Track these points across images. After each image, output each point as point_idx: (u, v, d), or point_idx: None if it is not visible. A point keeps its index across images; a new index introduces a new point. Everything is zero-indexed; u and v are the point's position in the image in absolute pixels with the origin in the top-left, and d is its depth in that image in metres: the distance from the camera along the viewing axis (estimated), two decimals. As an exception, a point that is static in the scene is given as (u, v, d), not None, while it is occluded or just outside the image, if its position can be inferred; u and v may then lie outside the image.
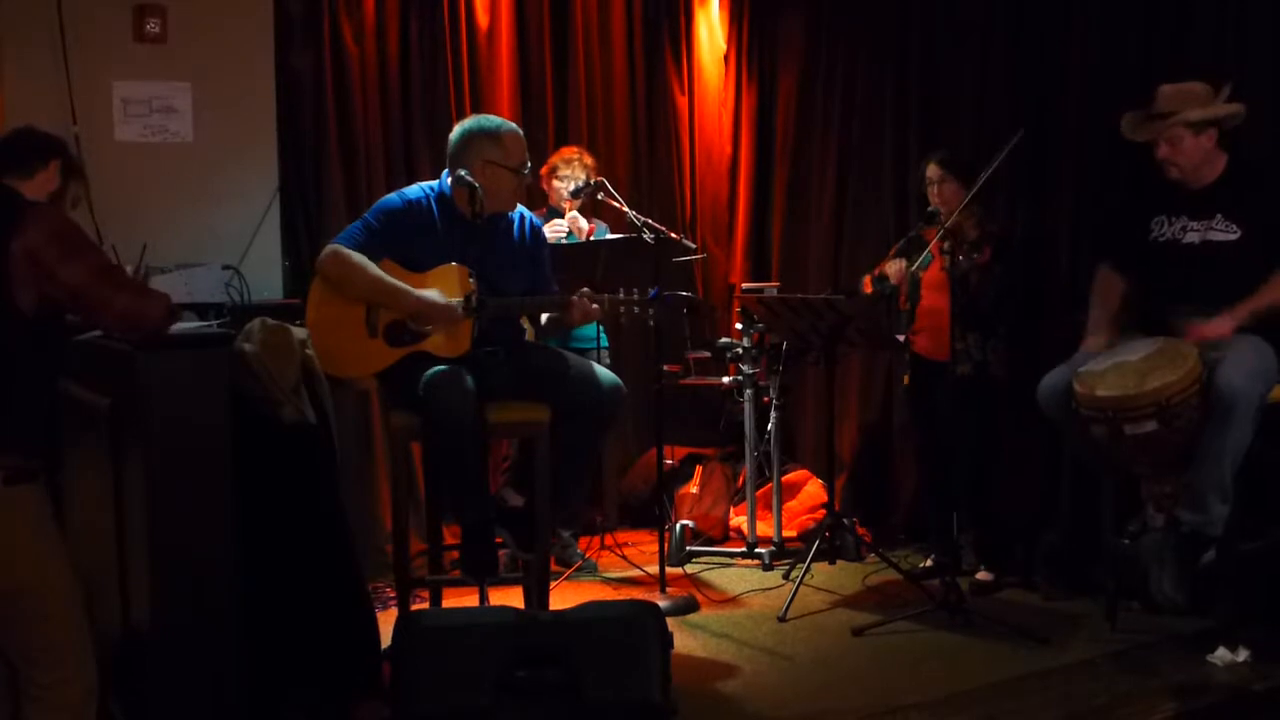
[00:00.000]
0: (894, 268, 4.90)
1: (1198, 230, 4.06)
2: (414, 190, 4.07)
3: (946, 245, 4.45)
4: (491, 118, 4.12)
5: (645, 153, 6.32)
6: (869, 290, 5.02)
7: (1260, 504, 4.08)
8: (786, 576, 5.10)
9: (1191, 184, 4.09)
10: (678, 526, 5.42)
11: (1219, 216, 4.02)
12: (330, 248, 3.92)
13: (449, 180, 3.99)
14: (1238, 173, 4.07)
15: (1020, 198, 5.11)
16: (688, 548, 5.39)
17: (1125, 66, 4.76)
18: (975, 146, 5.23)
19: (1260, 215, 3.97)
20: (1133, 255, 4.23)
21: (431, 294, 3.87)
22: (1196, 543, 3.84)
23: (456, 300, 3.89)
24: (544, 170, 5.37)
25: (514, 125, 4.08)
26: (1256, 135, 4.15)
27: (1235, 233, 4.00)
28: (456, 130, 4.04)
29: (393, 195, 4.09)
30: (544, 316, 4.16)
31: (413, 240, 3.94)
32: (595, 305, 3.99)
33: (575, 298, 3.98)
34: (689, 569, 5.26)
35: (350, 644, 3.58)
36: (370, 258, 3.88)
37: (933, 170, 4.94)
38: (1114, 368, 3.92)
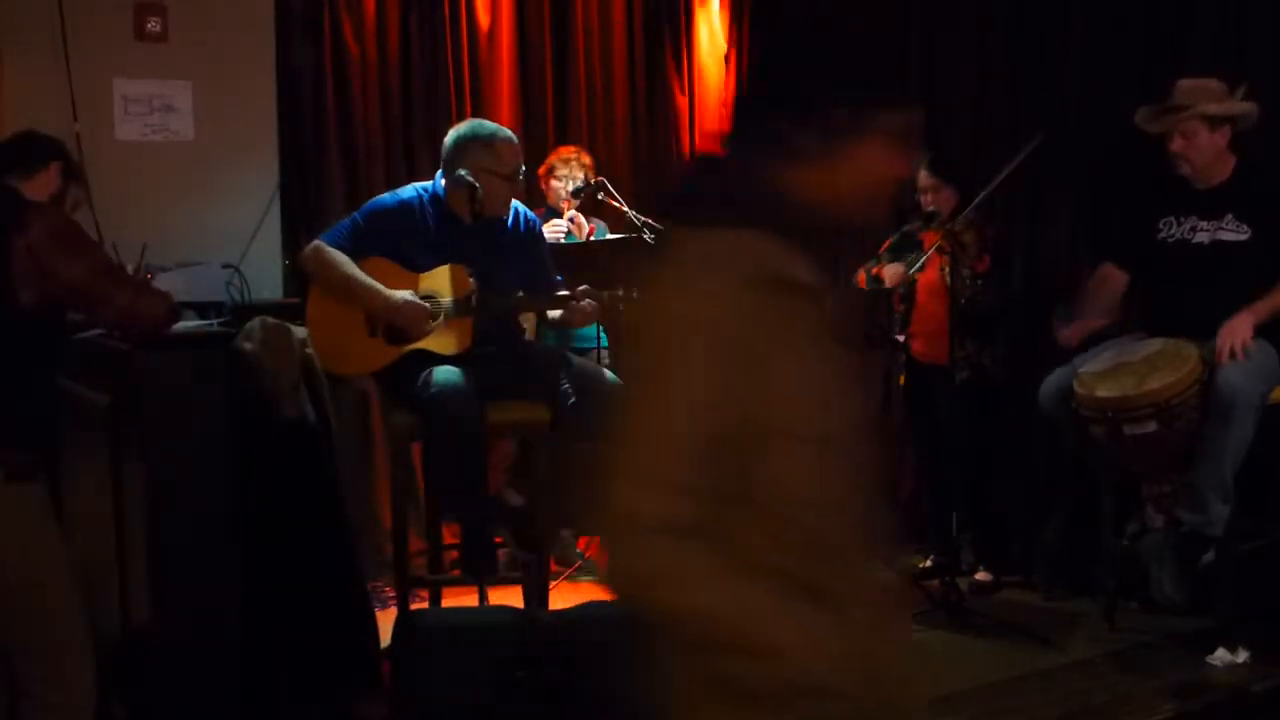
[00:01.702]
0: (891, 272, 4.78)
1: (1207, 230, 4.04)
2: (408, 190, 4.04)
3: (946, 250, 4.41)
4: (486, 124, 4.06)
5: (645, 153, 6.31)
6: (863, 285, 4.97)
7: (1260, 504, 4.08)
8: (786, 576, 5.08)
9: (1200, 182, 4.07)
10: (677, 526, 5.39)
11: (1229, 216, 4.00)
12: (314, 243, 3.92)
13: (443, 182, 3.98)
14: (1248, 173, 4.05)
15: (1019, 199, 5.10)
16: (687, 547, 5.36)
17: (1125, 67, 4.76)
18: (975, 147, 5.22)
19: (1271, 215, 3.96)
20: (1134, 256, 4.22)
21: (403, 294, 3.83)
22: (1196, 542, 3.85)
23: (448, 300, 3.89)
24: (541, 170, 5.34)
25: (509, 133, 4.02)
26: (1257, 134, 4.14)
27: (1245, 233, 3.98)
28: (451, 135, 3.99)
29: (385, 195, 4.07)
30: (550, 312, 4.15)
31: (404, 241, 3.92)
32: (595, 305, 3.98)
33: (574, 303, 3.96)
34: (688, 568, 5.23)
35: (350, 643, 3.58)
36: (355, 256, 3.86)
37: (924, 178, 4.79)
38: (1114, 368, 3.92)
